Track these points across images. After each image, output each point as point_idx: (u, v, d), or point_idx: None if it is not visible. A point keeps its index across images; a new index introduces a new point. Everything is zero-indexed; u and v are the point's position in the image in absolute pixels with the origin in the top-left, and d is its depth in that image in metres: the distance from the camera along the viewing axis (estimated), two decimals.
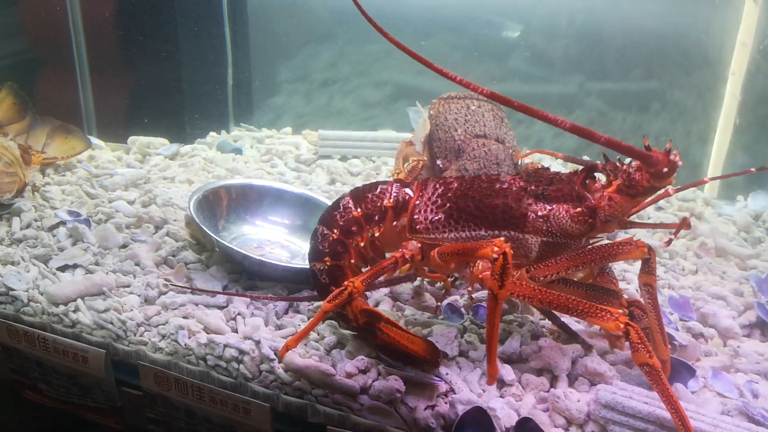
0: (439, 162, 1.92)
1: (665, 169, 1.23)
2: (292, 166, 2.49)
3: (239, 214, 1.94)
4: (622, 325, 1.22)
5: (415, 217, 1.47)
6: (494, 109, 2.03)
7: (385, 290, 1.74)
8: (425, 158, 1.98)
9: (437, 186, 1.49)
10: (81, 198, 2.16)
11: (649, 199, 1.36)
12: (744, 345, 1.57)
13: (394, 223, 1.51)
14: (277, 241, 1.93)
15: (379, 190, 1.54)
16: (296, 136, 2.81)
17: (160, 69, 2.66)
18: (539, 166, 1.98)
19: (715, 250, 1.98)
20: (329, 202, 1.97)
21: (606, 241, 1.43)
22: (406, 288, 1.75)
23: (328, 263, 1.54)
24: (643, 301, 1.42)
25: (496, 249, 1.26)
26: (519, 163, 1.94)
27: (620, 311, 1.25)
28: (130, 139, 2.64)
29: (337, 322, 1.56)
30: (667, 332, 1.53)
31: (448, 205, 1.45)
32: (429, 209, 1.46)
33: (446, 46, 3.04)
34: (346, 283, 1.39)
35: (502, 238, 1.30)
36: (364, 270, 1.57)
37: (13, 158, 2.02)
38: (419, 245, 1.47)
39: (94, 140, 2.62)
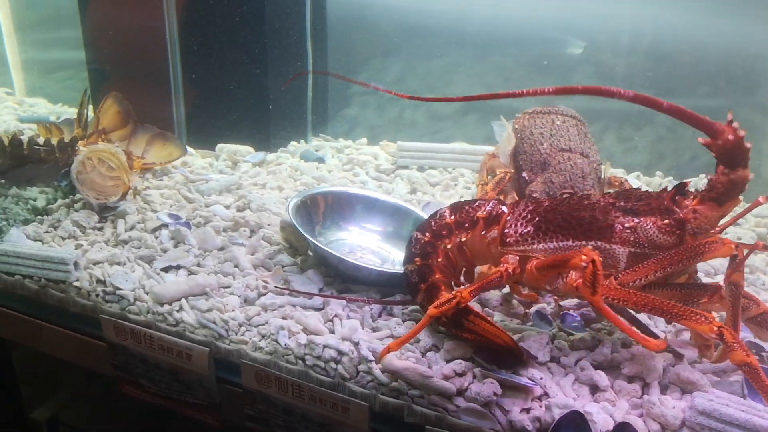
0: (525, 174, 1.98)
1: (731, 137, 1.25)
2: (373, 175, 2.57)
3: (334, 220, 2.02)
4: (715, 328, 1.27)
5: (506, 231, 1.53)
6: (578, 125, 2.08)
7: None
8: (511, 170, 2.04)
9: (529, 204, 1.56)
10: (179, 202, 2.27)
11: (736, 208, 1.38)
12: None
13: (483, 233, 1.58)
14: (368, 247, 2.01)
15: (477, 203, 1.62)
16: (373, 147, 2.90)
17: (249, 81, 2.76)
18: (623, 180, 2.03)
19: None
20: (419, 211, 2.06)
21: None
22: (494, 294, 1.80)
23: (417, 263, 1.62)
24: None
25: (584, 258, 1.32)
26: (603, 176, 1.98)
27: (714, 315, 1.29)
28: (218, 147, 2.75)
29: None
30: (757, 343, 1.57)
31: (537, 218, 1.51)
32: (519, 224, 1.53)
33: (510, 61, 3.09)
34: (454, 292, 1.46)
35: (590, 247, 1.35)
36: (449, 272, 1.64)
37: (120, 163, 2.14)
38: (517, 258, 1.53)
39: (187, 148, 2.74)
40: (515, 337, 1.62)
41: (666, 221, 1.41)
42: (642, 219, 1.43)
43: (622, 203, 1.46)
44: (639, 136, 2.90)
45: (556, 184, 1.89)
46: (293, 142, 2.93)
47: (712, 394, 1.38)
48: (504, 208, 1.58)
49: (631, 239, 1.43)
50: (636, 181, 2.47)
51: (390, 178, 2.56)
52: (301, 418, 1.65)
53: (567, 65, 2.97)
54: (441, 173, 2.60)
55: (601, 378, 1.47)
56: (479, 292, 1.48)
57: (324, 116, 3.22)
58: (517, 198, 2.00)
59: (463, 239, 1.60)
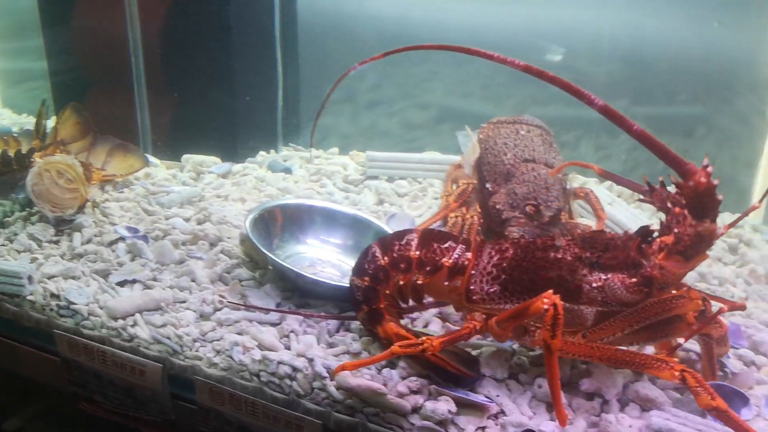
0: (488, 185, 1.94)
1: (703, 180, 1.16)
2: (340, 186, 2.54)
3: (293, 233, 1.99)
4: (677, 373, 1.25)
5: (472, 287, 1.49)
6: (543, 134, 2.05)
7: (434, 310, 1.76)
8: (475, 181, 2.01)
9: (492, 253, 1.50)
10: (139, 215, 2.23)
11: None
12: None
13: (446, 282, 1.53)
14: (329, 260, 1.97)
15: (447, 245, 1.54)
16: (343, 157, 2.86)
17: (215, 90, 2.74)
18: (588, 191, 2.00)
19: (766, 276, 1.97)
20: (380, 223, 2.02)
21: None
22: (453, 310, 1.77)
23: (366, 283, 1.58)
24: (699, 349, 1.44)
25: (546, 301, 1.29)
26: (567, 187, 1.95)
27: (676, 360, 1.27)
28: (184, 158, 2.71)
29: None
30: (719, 360, 1.54)
31: (503, 276, 1.46)
32: (485, 280, 1.48)
33: (489, 69, 3.07)
34: (424, 339, 1.41)
35: (551, 291, 1.31)
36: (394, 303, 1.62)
37: (76, 175, 2.10)
38: (483, 316, 1.49)
39: (150, 158, 2.70)
40: (474, 352, 1.58)
41: (634, 279, 1.37)
42: (610, 276, 1.39)
43: (588, 254, 1.42)
44: (614, 145, 2.88)
45: (519, 195, 1.85)
46: (262, 152, 2.89)
47: (668, 412, 1.35)
48: (469, 256, 1.52)
49: (599, 299, 1.39)
50: (609, 193, 2.44)
51: (358, 189, 2.53)
52: None
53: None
54: (410, 184, 2.57)
55: None
56: (448, 345, 1.44)
57: (296, 126, 3.19)
58: (480, 210, 1.96)
59: (420, 282, 1.55)
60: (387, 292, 1.57)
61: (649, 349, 1.59)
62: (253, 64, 2.82)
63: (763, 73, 2.58)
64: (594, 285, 1.40)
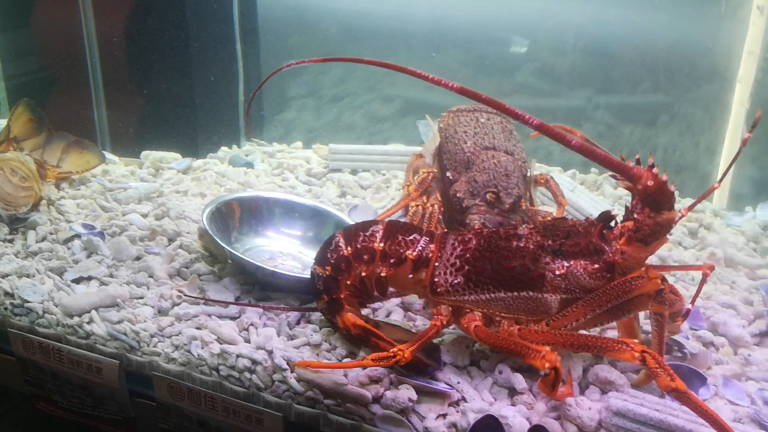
0: (448, 174, 1.93)
1: (650, 182, 1.21)
2: (303, 179, 2.51)
3: (252, 226, 1.96)
4: (637, 354, 1.24)
5: (436, 279, 1.48)
6: (503, 122, 2.05)
7: (396, 300, 1.75)
8: (435, 170, 2.00)
9: (456, 244, 1.49)
10: (95, 211, 2.19)
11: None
12: (755, 353, 1.57)
13: (410, 275, 1.51)
14: (290, 253, 1.95)
15: (411, 237, 1.53)
16: (307, 151, 2.84)
17: (174, 85, 2.70)
18: (548, 178, 2.00)
19: (725, 260, 1.98)
20: (341, 214, 2.00)
21: None
22: (416, 298, 1.76)
23: (328, 272, 1.56)
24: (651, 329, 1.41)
25: (547, 365, 1.27)
26: (528, 175, 1.95)
27: (636, 341, 1.27)
28: (143, 154, 2.67)
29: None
30: (678, 340, 1.55)
31: (466, 267, 1.45)
32: (449, 272, 1.47)
33: (455, 62, 3.07)
34: (395, 350, 1.40)
35: (549, 348, 1.29)
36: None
37: (29, 173, 2.06)
38: (450, 309, 1.49)
39: (108, 155, 2.65)
40: (436, 340, 1.57)
41: (596, 266, 1.37)
42: (572, 263, 1.39)
43: (550, 242, 1.41)
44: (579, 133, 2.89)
45: (479, 183, 1.84)
46: (224, 148, 2.86)
47: (626, 394, 1.36)
48: (433, 247, 1.51)
49: (562, 286, 1.40)
50: (571, 180, 2.45)
51: (321, 182, 2.51)
52: (215, 430, 1.59)
53: (511, 64, 2.95)
54: (374, 176, 2.55)
55: (519, 381, 1.44)
56: (419, 350, 1.43)
57: (259, 121, 3.16)
58: (440, 199, 1.95)
59: (384, 274, 1.53)
60: (348, 282, 1.55)
61: (612, 333, 1.59)
62: (212, 59, 2.79)
63: (722, 61, 2.60)
64: (557, 273, 1.39)
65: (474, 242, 1.48)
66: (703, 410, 1.19)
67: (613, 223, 1.40)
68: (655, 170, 1.21)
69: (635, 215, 1.31)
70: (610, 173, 1.41)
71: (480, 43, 2.99)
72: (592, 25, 2.80)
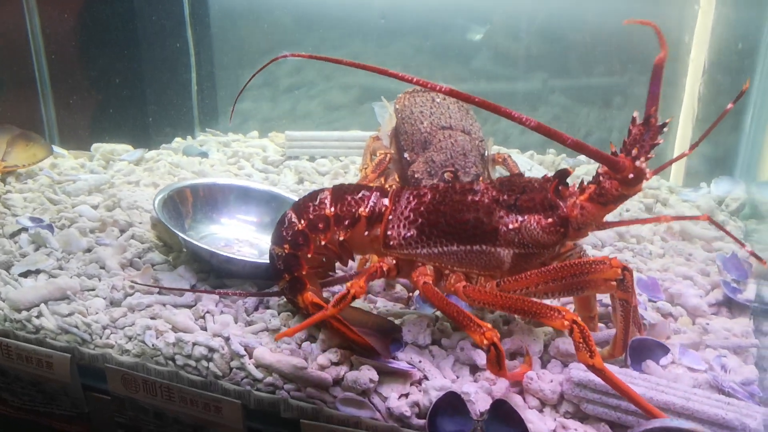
0: (406, 155, 1.91)
1: (631, 175, 1.26)
2: (259, 167, 2.47)
3: (206, 213, 1.92)
4: (566, 323, 1.24)
5: (389, 232, 1.45)
6: (459, 102, 2.03)
7: None
8: (392, 151, 1.97)
9: (410, 198, 1.47)
10: (43, 204, 2.12)
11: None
12: (712, 322, 1.59)
13: (366, 233, 1.49)
14: (246, 240, 1.91)
15: (360, 195, 1.51)
16: (263, 139, 2.80)
17: (123, 77, 2.64)
18: (506, 156, 2.00)
19: (681, 233, 2.01)
20: (296, 198, 1.96)
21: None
22: (378, 280, 1.73)
23: (286, 250, 1.53)
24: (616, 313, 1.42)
25: (485, 342, 1.27)
26: (486, 154, 1.94)
27: (568, 309, 1.27)
28: (94, 147, 2.60)
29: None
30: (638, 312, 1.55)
31: (420, 220, 1.43)
32: (402, 224, 1.45)
33: (411, 49, 3.05)
34: (347, 286, 1.38)
35: (490, 326, 1.29)
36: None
37: None
38: (394, 261, 1.47)
39: (57, 149, 2.58)
40: (397, 321, 1.55)
41: (550, 220, 1.37)
42: (526, 218, 1.38)
43: (505, 197, 1.40)
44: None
45: (437, 162, 1.83)
46: (178, 139, 2.80)
47: None
48: (386, 202, 1.49)
49: (516, 241, 1.38)
50: (529, 160, 2.45)
51: (278, 170, 2.47)
52: (173, 421, 1.55)
53: (467, 51, 2.95)
54: (332, 162, 2.52)
55: (480, 357, 1.43)
56: (369, 282, 1.42)
57: (213, 111, 3.10)
58: (398, 180, 1.93)
59: (342, 238, 1.51)
60: (309, 255, 1.52)
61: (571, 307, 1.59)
62: (163, 50, 2.74)
63: (674, 44, 2.63)
64: (511, 227, 1.38)
65: (429, 196, 1.46)
66: (620, 386, 1.21)
67: (567, 181, 1.40)
68: (638, 162, 1.26)
69: (603, 182, 1.32)
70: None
71: (436, 31, 2.98)
72: (545, 10, 2.81)
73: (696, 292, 1.68)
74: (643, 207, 2.19)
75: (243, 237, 1.92)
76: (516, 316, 1.59)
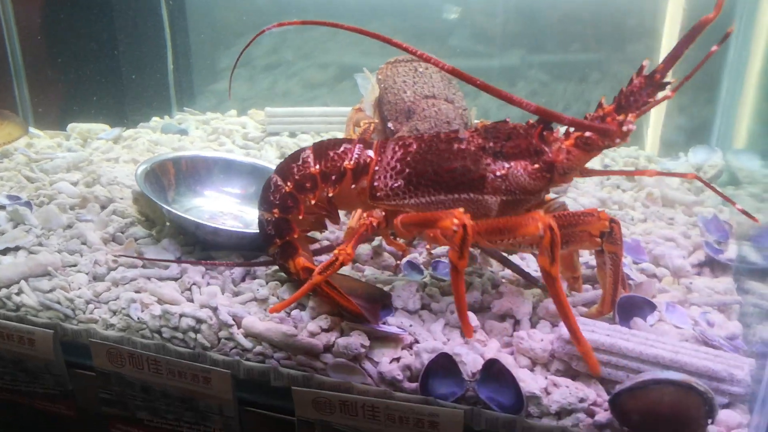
0: (390, 124, 1.91)
1: (618, 140, 1.28)
2: (240, 144, 2.45)
3: (189, 186, 1.89)
4: (541, 225, 1.24)
5: (376, 183, 1.44)
6: (441, 71, 2.02)
7: None
8: (376, 121, 1.97)
9: (396, 148, 1.46)
10: (21, 182, 2.08)
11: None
12: (696, 282, 1.60)
13: (353, 186, 1.48)
14: (230, 212, 1.89)
15: (342, 149, 1.50)
16: (242, 117, 2.77)
17: (98, 57, 2.60)
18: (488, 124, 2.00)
19: (662, 199, 2.03)
20: None
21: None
22: (365, 249, 1.73)
23: (276, 215, 1.52)
24: (606, 267, 1.44)
25: (455, 222, 1.27)
26: (469, 123, 1.94)
27: (541, 213, 1.28)
28: (70, 126, 2.56)
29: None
30: (624, 271, 1.57)
31: (407, 170, 1.42)
32: (389, 175, 1.44)
33: (388, 30, 3.04)
34: (335, 252, 1.37)
35: (461, 209, 1.30)
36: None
37: None
38: (383, 213, 1.46)
39: (32, 130, 2.53)
40: (386, 287, 1.55)
41: (536, 166, 1.37)
42: (513, 164, 1.38)
43: (491, 144, 1.40)
44: (513, 92, 2.92)
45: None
46: (155, 118, 2.77)
47: (578, 322, 1.35)
48: (371, 153, 1.48)
49: (503, 188, 1.39)
50: None
51: (259, 146, 2.45)
52: (160, 395, 1.53)
53: (444, 30, 2.94)
54: (313, 137, 2.51)
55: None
56: (358, 245, 1.41)
57: (190, 91, 3.07)
58: None
59: (330, 194, 1.50)
60: (300, 217, 1.51)
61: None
62: (137, 30, 2.71)
63: (649, 20, 2.65)
64: (498, 174, 1.39)
65: (415, 146, 1.45)
66: (564, 306, 1.25)
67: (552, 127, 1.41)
68: (625, 127, 1.26)
69: (589, 134, 1.33)
70: None
71: (410, 11, 2.98)
72: None
73: (679, 253, 1.70)
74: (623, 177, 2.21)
75: (227, 210, 1.90)
76: (504, 274, 1.61)
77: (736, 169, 2.22)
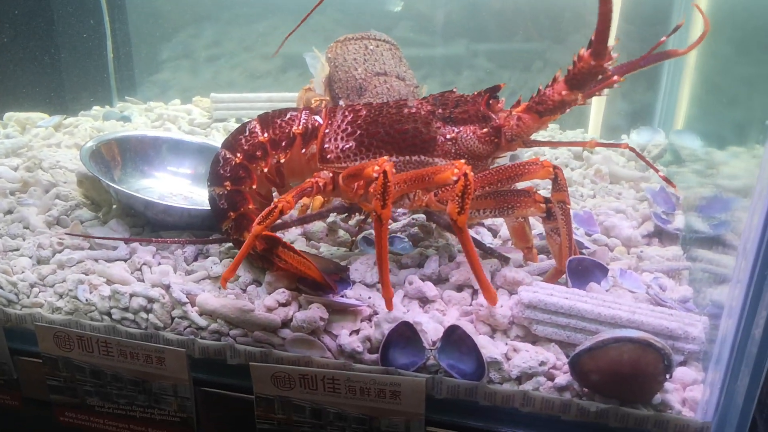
0: (341, 102, 1.90)
1: (593, 62, 1.23)
2: (186, 129, 2.40)
3: (137, 166, 1.84)
4: (456, 171, 1.25)
5: (326, 146, 1.45)
6: (392, 49, 2.03)
7: (297, 230, 1.69)
8: (327, 99, 1.95)
9: (347, 113, 1.48)
10: None
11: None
12: (646, 250, 1.64)
13: (303, 150, 1.48)
14: (180, 193, 1.84)
15: (288, 116, 1.50)
16: (187, 105, 2.72)
17: (34, 46, 2.51)
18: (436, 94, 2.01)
19: (609, 176, 2.07)
20: None
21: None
22: (319, 226, 1.71)
23: (228, 188, 1.49)
24: (554, 235, 1.48)
25: (377, 168, 1.27)
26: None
27: (463, 161, 1.28)
28: (6, 116, 2.46)
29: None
30: (577, 240, 1.59)
31: (358, 132, 1.43)
32: (339, 137, 1.45)
33: (331, 23, 3.03)
34: (275, 201, 1.35)
35: (390, 160, 1.32)
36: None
37: None
38: (331, 174, 1.45)
39: None
40: (343, 262, 1.53)
41: (485, 130, 1.41)
42: (462, 129, 1.41)
43: (440, 110, 1.43)
44: (459, 80, 2.95)
45: None
46: (96, 107, 2.69)
47: (536, 286, 1.37)
48: (319, 119, 1.48)
49: (453, 151, 1.42)
50: None
51: (206, 132, 2.40)
52: (111, 379, 1.47)
53: (387, 21, 2.95)
54: None
55: (429, 288, 1.42)
56: (299, 198, 1.39)
57: (130, 81, 2.99)
58: None
59: (282, 160, 1.49)
60: (253, 186, 1.49)
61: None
62: (76, 18, 2.62)
63: (589, 13, 2.71)
64: (448, 137, 1.42)
65: (365, 111, 1.47)
66: (470, 252, 1.28)
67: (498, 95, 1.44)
68: (610, 56, 1.24)
69: (545, 90, 1.35)
70: None
71: (355, 3, 2.98)
72: None
73: (629, 224, 1.74)
74: (572, 155, 2.25)
75: (177, 191, 1.85)
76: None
77: (679, 148, 2.28)
